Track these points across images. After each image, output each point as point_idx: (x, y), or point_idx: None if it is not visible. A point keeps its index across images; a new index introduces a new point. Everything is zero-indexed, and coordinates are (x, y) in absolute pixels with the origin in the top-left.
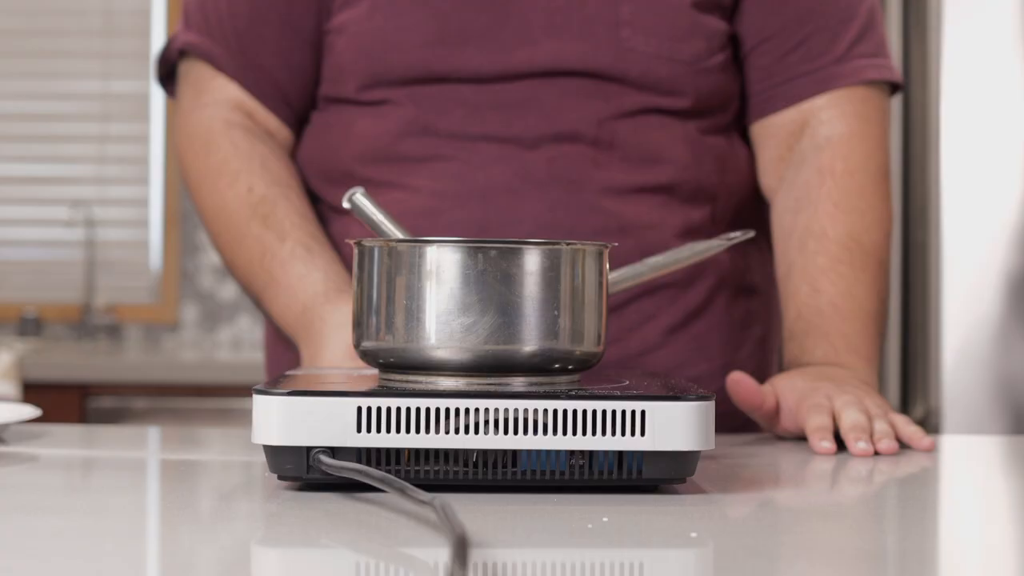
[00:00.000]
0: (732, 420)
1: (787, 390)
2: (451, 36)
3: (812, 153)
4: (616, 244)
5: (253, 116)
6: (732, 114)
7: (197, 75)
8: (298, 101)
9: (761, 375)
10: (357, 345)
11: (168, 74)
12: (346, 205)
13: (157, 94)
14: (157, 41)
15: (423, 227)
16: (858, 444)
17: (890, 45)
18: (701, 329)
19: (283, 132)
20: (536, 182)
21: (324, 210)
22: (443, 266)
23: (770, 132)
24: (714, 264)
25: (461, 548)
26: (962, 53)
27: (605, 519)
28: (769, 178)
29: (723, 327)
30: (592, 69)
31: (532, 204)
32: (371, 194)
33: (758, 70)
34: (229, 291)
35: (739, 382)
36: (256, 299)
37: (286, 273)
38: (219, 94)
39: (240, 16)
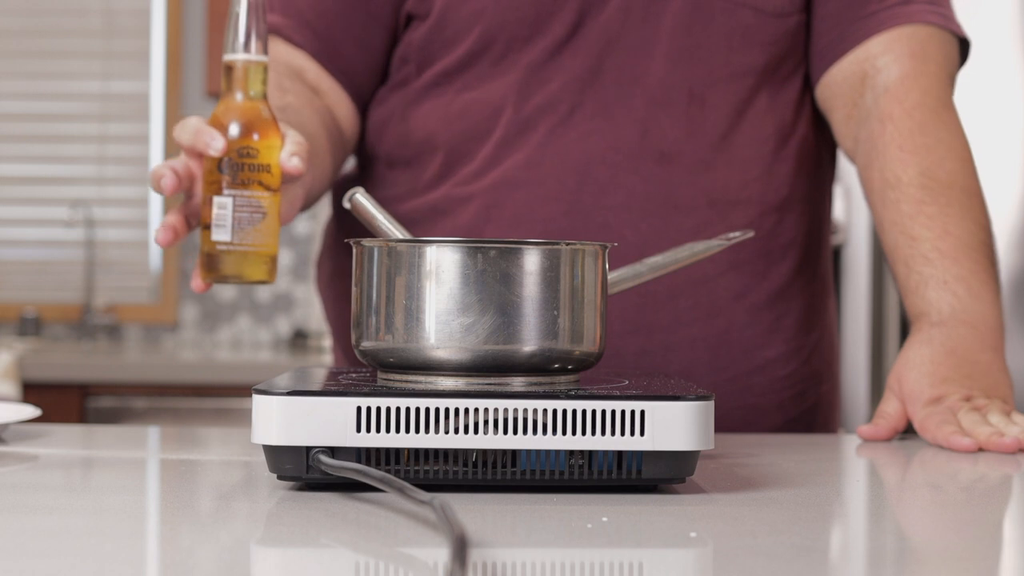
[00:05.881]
0: (764, 418)
1: (918, 388)
2: None
3: (873, 104)
4: (616, 244)
5: (303, 74)
6: (803, 79)
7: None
8: (363, 78)
9: (827, 360)
10: (357, 345)
11: None
12: (346, 205)
13: (157, 94)
14: (157, 41)
15: (516, 200)
16: (1004, 439)
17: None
18: (782, 310)
19: (338, 96)
20: (629, 154)
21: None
22: (443, 266)
23: (834, 91)
24: (796, 246)
25: (461, 548)
26: None
27: (605, 519)
28: (845, 140)
29: (800, 310)
30: (678, 22)
31: (626, 176)
32: (463, 168)
33: (823, 19)
34: (229, 291)
35: (871, 435)
36: None
37: None
38: (282, 59)
39: None
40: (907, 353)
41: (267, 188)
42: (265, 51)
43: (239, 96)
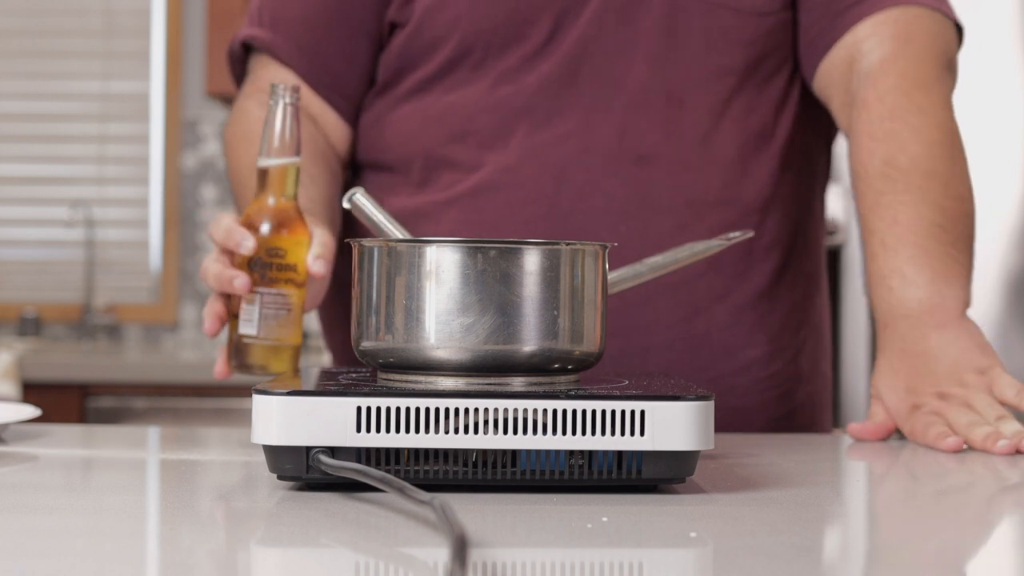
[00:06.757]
0: (747, 418)
1: (894, 402)
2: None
3: (856, 90)
4: (615, 244)
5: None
6: (787, 79)
7: (256, 65)
8: (353, 92)
9: (815, 360)
10: (357, 345)
11: (243, 74)
12: (346, 205)
13: (157, 94)
14: (157, 41)
15: (496, 203)
16: (999, 443)
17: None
18: (765, 310)
19: (329, 117)
20: (607, 157)
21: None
22: (443, 266)
23: (829, 80)
24: (780, 246)
25: (461, 548)
26: (961, 53)
27: (605, 519)
28: (843, 128)
29: (785, 309)
30: (655, 24)
31: (604, 179)
32: (443, 173)
33: (810, 10)
34: None
35: (861, 433)
36: None
37: None
38: (273, 79)
39: (299, 6)
40: (875, 365)
41: (293, 284)
42: (297, 152)
43: (271, 200)
